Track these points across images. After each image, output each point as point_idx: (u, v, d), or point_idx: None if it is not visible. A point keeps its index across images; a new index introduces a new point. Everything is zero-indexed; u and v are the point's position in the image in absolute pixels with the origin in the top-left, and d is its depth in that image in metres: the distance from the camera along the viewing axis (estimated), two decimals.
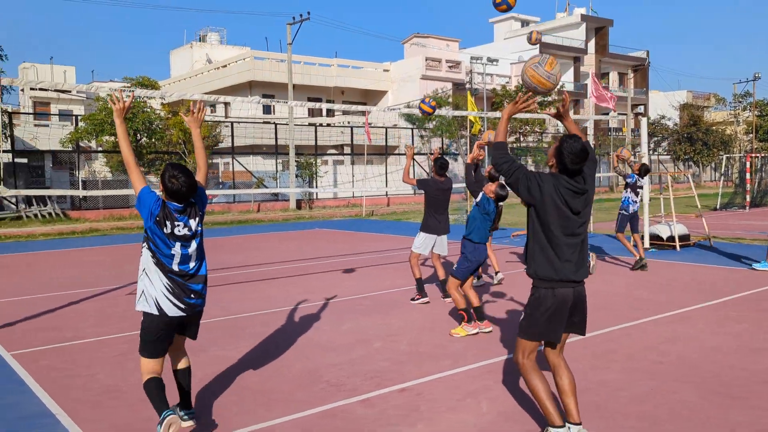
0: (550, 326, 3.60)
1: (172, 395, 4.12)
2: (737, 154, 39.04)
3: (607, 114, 47.84)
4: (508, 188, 5.04)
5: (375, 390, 4.67)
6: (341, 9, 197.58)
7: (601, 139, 43.16)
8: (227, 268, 11.06)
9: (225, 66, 40.77)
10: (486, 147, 7.59)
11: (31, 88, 38.38)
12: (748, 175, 23.35)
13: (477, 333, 6.16)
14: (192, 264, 3.89)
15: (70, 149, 24.75)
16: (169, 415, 3.61)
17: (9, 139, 22.49)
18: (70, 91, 36.78)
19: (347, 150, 33.14)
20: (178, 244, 3.81)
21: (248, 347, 5.88)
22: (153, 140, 24.50)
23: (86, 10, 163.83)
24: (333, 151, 35.19)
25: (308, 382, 4.88)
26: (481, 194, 6.52)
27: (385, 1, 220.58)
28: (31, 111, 38.86)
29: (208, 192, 4.21)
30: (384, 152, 33.34)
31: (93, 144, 25.41)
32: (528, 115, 14.93)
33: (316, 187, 28.86)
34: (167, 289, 3.78)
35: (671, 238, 12.23)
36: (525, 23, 55.62)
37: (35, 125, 32.10)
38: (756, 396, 4.40)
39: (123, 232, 19.43)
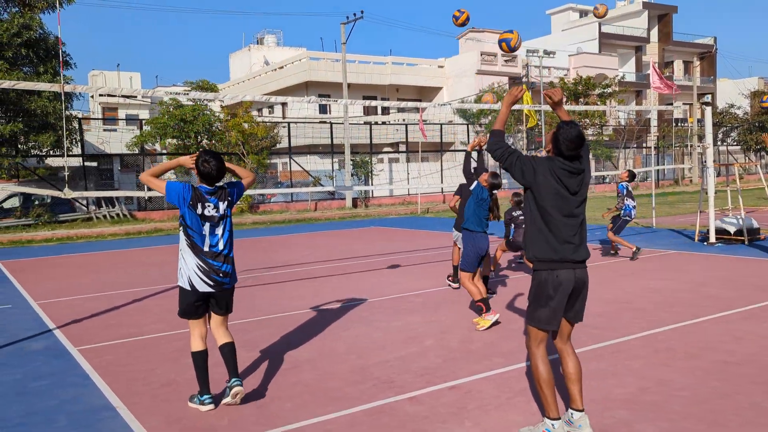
0: (554, 312, 3.62)
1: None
2: None
3: (671, 104, 46.16)
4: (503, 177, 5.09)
5: (424, 387, 4.64)
6: (396, 6, 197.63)
7: (665, 130, 41.65)
8: (282, 266, 11.24)
9: (282, 67, 41.42)
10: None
11: (100, 95, 40.11)
12: None
13: (498, 319, 6.26)
14: (221, 245, 4.38)
15: (135, 152, 25.66)
16: (207, 402, 4.34)
17: (80, 144, 23.50)
18: (135, 96, 38.14)
19: (402, 148, 33.13)
20: (207, 225, 4.33)
21: (301, 343, 5.94)
22: (213, 141, 25.13)
23: (150, 18, 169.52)
24: (388, 149, 35.24)
25: (359, 379, 4.89)
26: (475, 182, 6.75)
27: None
28: (100, 116, 40.56)
29: (266, 191, 4.53)
30: (439, 149, 33.18)
31: (158, 146, 26.29)
32: (576, 107, 14.51)
33: (372, 185, 28.99)
34: (199, 268, 4.32)
35: (739, 232, 11.68)
36: (583, 13, 54.21)
37: (104, 130, 33.46)
38: None
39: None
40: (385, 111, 41.84)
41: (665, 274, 8.98)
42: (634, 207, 10.74)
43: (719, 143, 45.76)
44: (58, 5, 20.67)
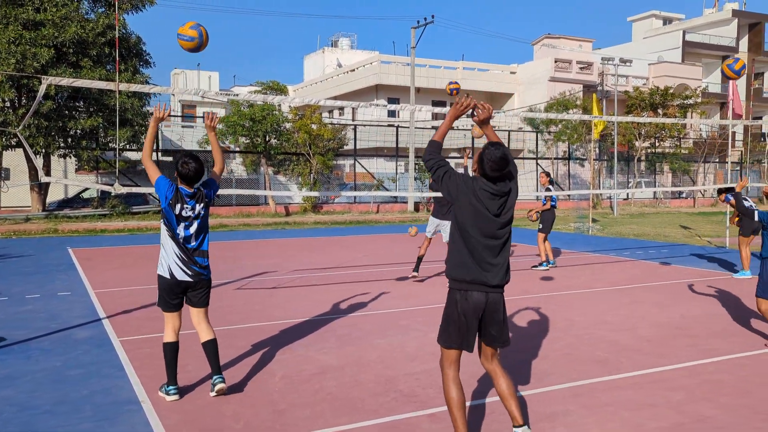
0: (462, 331, 3.58)
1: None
2: None
3: (760, 118, 43.63)
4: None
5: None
6: (469, 11, 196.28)
7: (753, 145, 39.41)
8: (332, 268, 11.29)
9: (353, 70, 41.85)
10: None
11: (181, 94, 41.71)
12: None
13: None
14: (193, 241, 4.68)
15: (207, 149, 26.48)
16: (172, 392, 4.59)
17: (156, 140, 24.47)
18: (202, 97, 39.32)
19: (470, 153, 32.78)
20: (182, 224, 4.64)
21: (333, 349, 5.91)
22: (281, 141, 25.63)
23: (230, 19, 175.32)
24: (455, 154, 34.96)
25: (382, 390, 4.81)
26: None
27: (516, 1, 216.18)
28: (179, 114, 42.19)
29: (327, 193, 4.69)
30: None
31: (231, 144, 27.07)
32: (636, 119, 13.89)
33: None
34: (178, 257, 4.62)
35: None
36: (667, 21, 52.13)
37: (182, 127, 34.75)
38: None
39: (249, 228, 20.49)
40: None
41: (731, 300, 8.44)
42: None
43: None
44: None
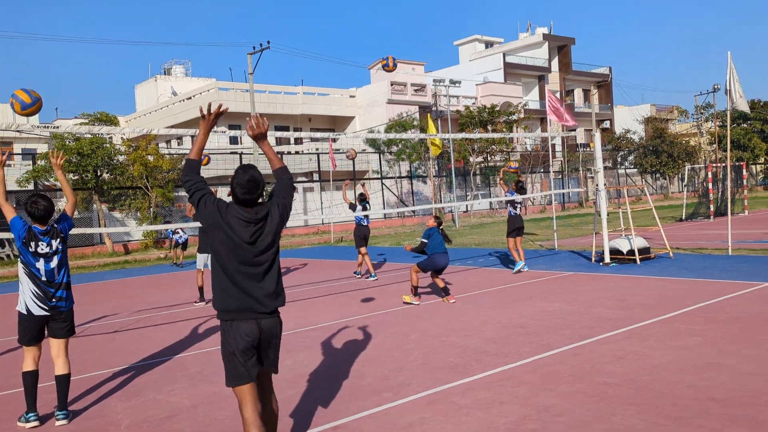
0: (243, 364, 3.36)
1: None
2: (701, 165, 39.65)
3: (573, 131, 48.44)
4: None
5: (306, 430, 4.43)
6: (305, 37, 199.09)
7: (570, 155, 43.61)
8: (176, 305, 10.74)
9: (190, 98, 40.53)
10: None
11: None
12: (710, 185, 23.64)
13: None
14: (56, 275, 4.94)
15: (28, 188, 24.18)
16: (32, 419, 4.77)
17: None
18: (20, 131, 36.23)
19: (316, 177, 32.99)
20: (42, 260, 4.89)
21: (185, 389, 5.59)
22: (115, 175, 24.09)
23: (49, 47, 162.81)
24: (302, 178, 35.01)
25: (238, 424, 4.62)
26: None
27: (351, 27, 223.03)
28: None
29: (168, 227, 4.67)
30: (352, 177, 33.25)
31: (57, 182, 24.93)
32: (468, 135, 14.94)
33: None
34: (34, 294, 4.86)
35: (631, 252, 12.21)
36: (489, 44, 56.44)
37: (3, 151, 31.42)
38: (701, 415, 4.26)
39: (84, 270, 18.94)
40: (298, 141, 41.65)
41: (561, 296, 9.21)
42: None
43: (618, 166, 48.38)
44: None
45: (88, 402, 5.43)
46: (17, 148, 40.47)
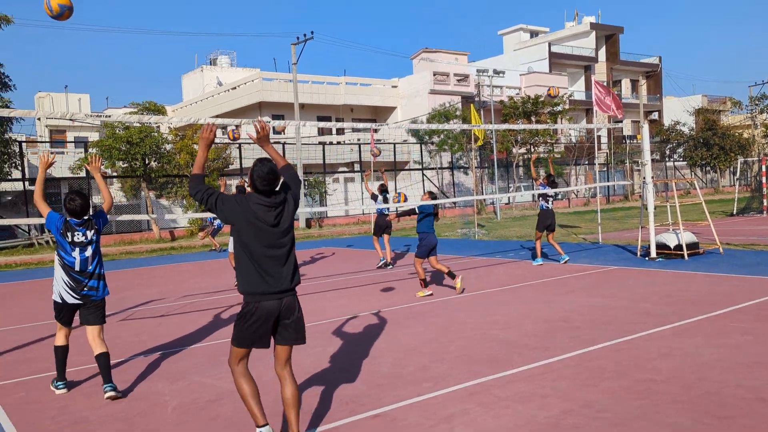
0: (256, 335, 3.84)
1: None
2: (755, 158, 38.32)
3: (620, 122, 47.37)
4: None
5: (347, 417, 4.49)
6: (349, 27, 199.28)
7: (616, 147, 42.67)
8: (221, 291, 10.96)
9: (234, 88, 41.09)
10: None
11: (47, 117, 39.06)
12: (764, 179, 22.83)
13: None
14: (90, 265, 5.31)
15: (80, 175, 24.97)
16: (61, 386, 5.42)
17: (21, 167, 22.74)
18: (74, 120, 37.29)
19: (357, 167, 33.12)
20: (77, 249, 5.26)
21: (228, 374, 5.71)
22: (162, 164, 24.64)
23: (100, 38, 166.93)
24: (344, 168, 35.19)
25: (281, 409, 4.70)
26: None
27: (394, 17, 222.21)
28: (47, 139, 39.47)
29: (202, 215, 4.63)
30: (393, 168, 33.27)
31: (109, 170, 25.65)
32: (512, 127, 14.72)
33: (326, 205, 28.79)
34: (66, 284, 5.25)
35: (678, 247, 11.91)
36: (534, 34, 55.50)
37: (51, 153, 32.52)
38: (749, 415, 4.15)
39: (132, 256, 19.49)
40: (340, 131, 41.84)
41: (604, 290, 9.05)
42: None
43: (666, 159, 47.12)
44: None
45: (136, 383, 5.61)
46: (70, 136, 41.86)
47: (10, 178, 22.28)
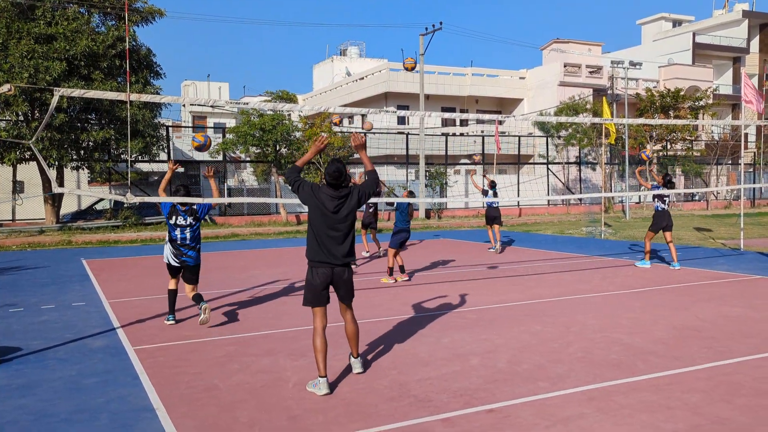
0: (314, 295, 5.06)
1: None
2: None
3: None
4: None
5: (461, 409, 4.49)
6: (477, 18, 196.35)
7: (766, 147, 39.04)
8: None
9: (362, 78, 41.98)
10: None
11: (191, 104, 42.01)
12: None
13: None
14: (188, 240, 7.17)
15: (218, 159, 26.65)
16: (170, 319, 7.40)
17: (167, 150, 24.64)
18: (217, 107, 39.67)
19: (479, 160, 32.74)
20: (179, 229, 7.13)
21: (346, 355, 5.90)
22: (291, 151, 25.74)
23: (238, 29, 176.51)
24: (465, 160, 34.95)
25: (395, 395, 4.80)
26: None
27: (525, 7, 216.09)
28: (190, 125, 42.51)
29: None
30: (516, 161, 32.58)
31: (242, 154, 27.18)
32: (647, 121, 13.85)
33: (446, 196, 28.73)
34: (171, 253, 7.20)
35: None
36: (677, 23, 51.92)
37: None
38: None
39: (261, 237, 20.57)
40: (464, 122, 41.54)
41: (745, 301, 8.36)
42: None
43: None
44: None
45: (262, 358, 5.94)
46: (210, 122, 44.77)
47: (158, 159, 24.18)
